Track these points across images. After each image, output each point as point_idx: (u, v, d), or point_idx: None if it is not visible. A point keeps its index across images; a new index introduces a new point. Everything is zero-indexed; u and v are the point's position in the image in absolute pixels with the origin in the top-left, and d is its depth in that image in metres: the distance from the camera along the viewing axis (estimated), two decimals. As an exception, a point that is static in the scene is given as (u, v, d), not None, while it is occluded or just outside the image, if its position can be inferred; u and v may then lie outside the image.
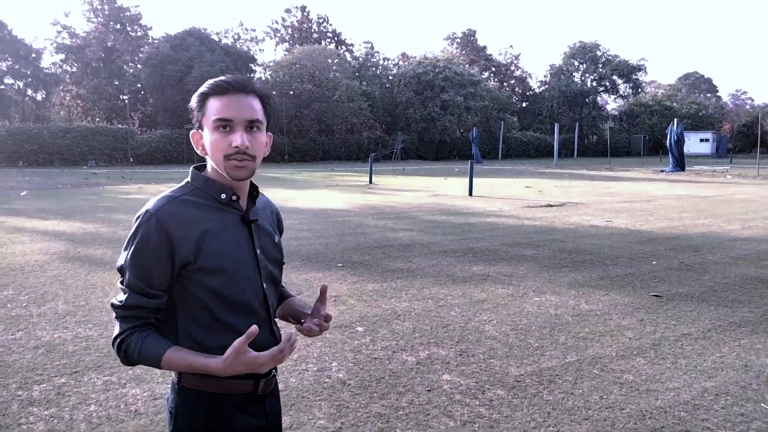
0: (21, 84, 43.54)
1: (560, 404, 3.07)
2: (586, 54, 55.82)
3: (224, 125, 1.32)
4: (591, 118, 55.70)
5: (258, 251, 1.40)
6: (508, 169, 30.65)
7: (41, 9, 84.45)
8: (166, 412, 1.41)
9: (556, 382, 3.35)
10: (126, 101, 43.20)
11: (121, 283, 1.33)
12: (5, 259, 6.72)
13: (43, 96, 45.67)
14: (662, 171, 26.94)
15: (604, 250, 7.42)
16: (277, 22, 56.20)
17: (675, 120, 27.36)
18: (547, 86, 58.32)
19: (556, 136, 36.29)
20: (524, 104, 62.04)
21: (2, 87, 42.84)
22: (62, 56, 44.39)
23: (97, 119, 42.02)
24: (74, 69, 44.39)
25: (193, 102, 1.37)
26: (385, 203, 13.18)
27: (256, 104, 1.35)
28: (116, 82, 44.06)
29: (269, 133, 1.43)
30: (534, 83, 63.91)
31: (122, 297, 1.32)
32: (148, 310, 1.31)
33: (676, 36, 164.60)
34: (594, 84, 56.83)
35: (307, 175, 24.72)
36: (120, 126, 37.91)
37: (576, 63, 56.68)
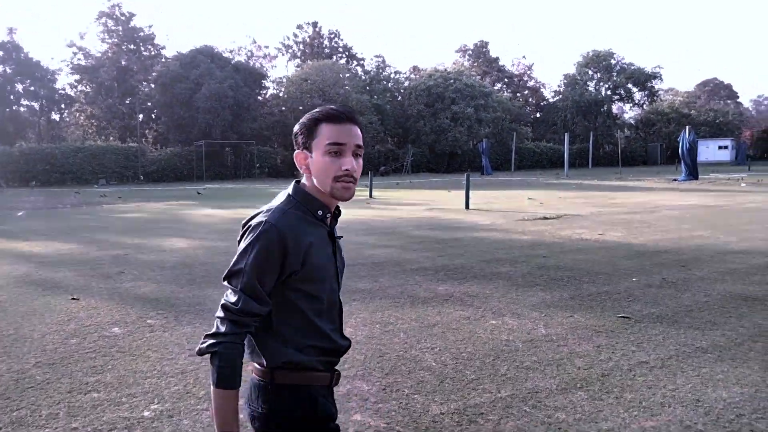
0: (37, 105, 44.44)
1: (471, 450, 2.73)
2: (600, 63, 55.18)
3: (336, 150, 1.45)
4: (606, 127, 54.87)
5: (338, 265, 1.57)
6: (517, 181, 30.18)
7: (57, 31, 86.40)
8: (248, 416, 1.52)
9: (478, 422, 3.01)
10: (139, 120, 43.77)
11: (234, 285, 1.43)
12: (-39, 284, 6.56)
13: (59, 116, 46.54)
14: (675, 180, 26.24)
15: (585, 265, 7.01)
16: (289, 38, 56.84)
17: (687, 128, 26.66)
18: (560, 96, 57.73)
19: (566, 145, 35.72)
20: (538, 114, 61.50)
21: (19, 108, 43.78)
22: (77, 77, 45.27)
23: (111, 138, 42.64)
24: (89, 89, 45.20)
25: (302, 125, 1.51)
26: (377, 218, 12.88)
27: (360, 132, 1.51)
28: (129, 101, 44.71)
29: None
30: (548, 93, 63.47)
31: (235, 299, 1.41)
32: (256, 318, 1.43)
33: (694, 43, 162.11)
34: (608, 93, 56.09)
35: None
36: (132, 144, 38.38)
37: (590, 72, 56.04)
